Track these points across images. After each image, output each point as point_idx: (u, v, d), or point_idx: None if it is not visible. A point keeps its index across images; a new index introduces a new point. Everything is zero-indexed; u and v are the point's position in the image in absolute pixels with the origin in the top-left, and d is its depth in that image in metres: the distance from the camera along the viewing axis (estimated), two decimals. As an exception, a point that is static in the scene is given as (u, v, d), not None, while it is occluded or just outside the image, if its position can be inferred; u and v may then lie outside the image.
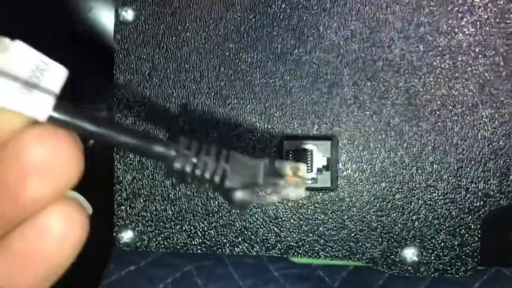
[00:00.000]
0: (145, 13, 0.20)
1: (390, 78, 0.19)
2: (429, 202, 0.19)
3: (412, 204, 0.19)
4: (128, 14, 0.20)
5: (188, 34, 0.20)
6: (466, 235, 0.19)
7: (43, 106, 0.11)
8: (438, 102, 0.19)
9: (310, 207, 0.19)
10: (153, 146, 0.12)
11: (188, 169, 0.13)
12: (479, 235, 0.19)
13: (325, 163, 0.19)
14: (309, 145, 0.19)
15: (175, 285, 0.21)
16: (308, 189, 0.19)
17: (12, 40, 0.12)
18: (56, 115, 0.11)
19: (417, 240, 0.19)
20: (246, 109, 0.20)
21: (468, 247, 0.19)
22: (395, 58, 0.19)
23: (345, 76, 0.19)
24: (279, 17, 0.19)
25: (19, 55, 0.12)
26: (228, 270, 0.22)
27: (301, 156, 0.19)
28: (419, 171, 0.19)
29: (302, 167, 0.14)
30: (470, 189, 0.19)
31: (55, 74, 0.12)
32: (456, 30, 0.19)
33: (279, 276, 0.21)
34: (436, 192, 0.19)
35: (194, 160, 0.13)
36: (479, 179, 0.19)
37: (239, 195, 0.13)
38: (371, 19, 0.19)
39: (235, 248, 0.20)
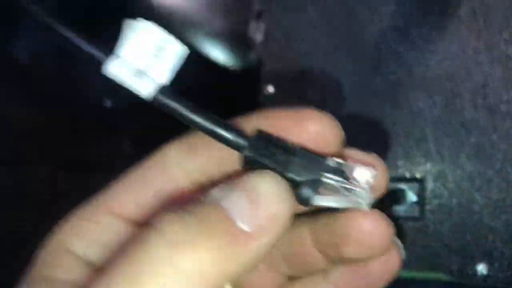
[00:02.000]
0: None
1: (464, 137, 0.25)
2: (500, 226, 0.25)
3: (487, 227, 0.25)
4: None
5: None
6: None
7: (149, 89, 0.14)
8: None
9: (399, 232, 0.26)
10: (228, 133, 0.15)
11: (256, 158, 0.15)
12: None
13: (415, 199, 0.26)
14: (402, 185, 0.26)
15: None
16: (398, 217, 0.26)
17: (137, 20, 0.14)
18: (160, 97, 0.14)
19: (488, 256, 0.25)
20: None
21: None
22: (465, 122, 0.25)
23: (429, 135, 0.26)
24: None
25: (143, 35, 0.14)
26: None
27: (396, 195, 0.26)
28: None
29: (371, 173, 0.15)
30: None
31: (174, 52, 0.14)
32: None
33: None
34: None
35: (263, 150, 0.15)
36: None
37: (303, 190, 0.15)
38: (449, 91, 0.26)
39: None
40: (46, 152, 0.44)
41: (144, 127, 0.40)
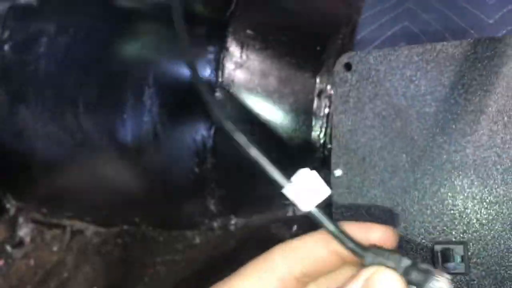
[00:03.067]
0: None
1: (497, 210, 0.32)
2: None
3: None
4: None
5: None
6: None
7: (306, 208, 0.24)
8: None
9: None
10: (352, 242, 0.24)
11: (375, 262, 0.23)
12: None
13: (460, 259, 0.33)
14: (451, 245, 0.33)
15: None
16: (448, 273, 0.33)
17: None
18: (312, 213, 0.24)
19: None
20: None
21: None
22: (499, 197, 0.32)
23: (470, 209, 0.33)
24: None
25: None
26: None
27: (446, 255, 0.33)
28: None
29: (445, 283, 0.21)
30: None
31: (323, 193, 0.24)
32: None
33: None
34: None
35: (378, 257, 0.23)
36: None
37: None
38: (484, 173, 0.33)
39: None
40: (147, 213, 0.53)
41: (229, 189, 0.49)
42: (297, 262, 0.26)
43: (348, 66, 0.36)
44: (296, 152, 0.46)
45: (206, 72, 0.45)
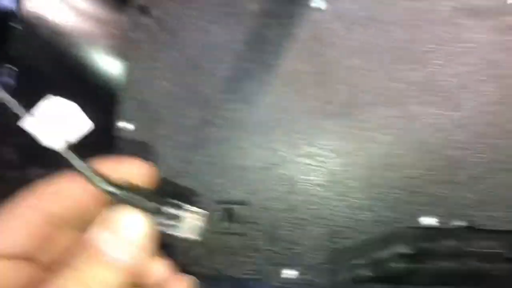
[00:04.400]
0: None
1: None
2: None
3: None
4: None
5: None
6: None
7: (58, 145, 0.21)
8: None
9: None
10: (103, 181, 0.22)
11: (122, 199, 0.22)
12: None
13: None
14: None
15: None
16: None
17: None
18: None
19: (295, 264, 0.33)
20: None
21: None
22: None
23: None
24: None
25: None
26: None
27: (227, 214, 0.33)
28: None
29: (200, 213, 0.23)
30: None
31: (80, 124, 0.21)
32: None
33: None
34: None
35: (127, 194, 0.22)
36: None
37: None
38: None
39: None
40: None
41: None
42: (51, 204, 0.23)
43: (142, 9, 0.33)
44: (109, 100, 0.42)
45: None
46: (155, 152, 0.33)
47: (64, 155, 0.21)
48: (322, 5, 0.32)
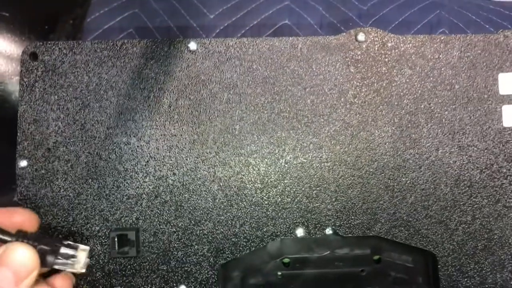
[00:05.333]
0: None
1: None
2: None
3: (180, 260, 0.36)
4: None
5: None
6: None
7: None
8: None
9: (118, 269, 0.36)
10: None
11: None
12: None
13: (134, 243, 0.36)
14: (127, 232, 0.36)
15: None
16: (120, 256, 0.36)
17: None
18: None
19: (187, 279, 0.36)
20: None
21: None
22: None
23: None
24: None
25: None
26: None
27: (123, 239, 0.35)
28: None
29: (84, 249, 0.30)
30: None
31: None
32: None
33: None
34: None
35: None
36: None
37: (48, 257, 0.28)
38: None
39: None
40: None
41: None
42: None
43: (34, 56, 0.36)
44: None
45: None
46: (50, 186, 0.36)
47: None
48: (193, 46, 0.36)
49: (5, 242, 0.27)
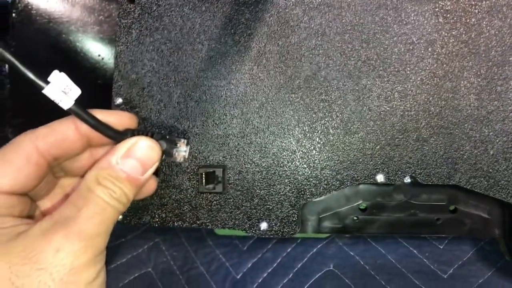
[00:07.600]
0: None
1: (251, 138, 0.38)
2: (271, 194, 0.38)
3: (262, 196, 0.38)
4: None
5: None
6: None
7: (68, 103, 0.27)
8: None
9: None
10: (110, 130, 0.29)
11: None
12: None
13: (220, 179, 0.38)
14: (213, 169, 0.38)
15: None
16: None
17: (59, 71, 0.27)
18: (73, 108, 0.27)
19: (267, 217, 0.38)
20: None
21: None
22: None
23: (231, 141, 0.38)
24: None
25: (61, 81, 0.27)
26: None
27: (210, 177, 0.38)
28: None
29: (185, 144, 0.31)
30: None
31: (75, 92, 0.27)
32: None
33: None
34: None
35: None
36: None
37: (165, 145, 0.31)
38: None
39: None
40: None
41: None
42: (46, 145, 0.28)
43: (131, -1, 0.37)
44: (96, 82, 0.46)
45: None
46: (144, 124, 0.38)
47: (74, 111, 0.27)
48: (285, -7, 0.37)
49: (115, 139, 0.29)
